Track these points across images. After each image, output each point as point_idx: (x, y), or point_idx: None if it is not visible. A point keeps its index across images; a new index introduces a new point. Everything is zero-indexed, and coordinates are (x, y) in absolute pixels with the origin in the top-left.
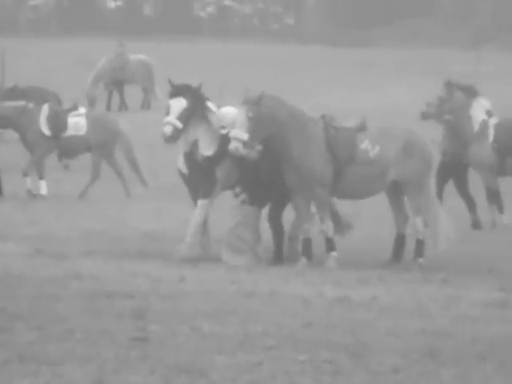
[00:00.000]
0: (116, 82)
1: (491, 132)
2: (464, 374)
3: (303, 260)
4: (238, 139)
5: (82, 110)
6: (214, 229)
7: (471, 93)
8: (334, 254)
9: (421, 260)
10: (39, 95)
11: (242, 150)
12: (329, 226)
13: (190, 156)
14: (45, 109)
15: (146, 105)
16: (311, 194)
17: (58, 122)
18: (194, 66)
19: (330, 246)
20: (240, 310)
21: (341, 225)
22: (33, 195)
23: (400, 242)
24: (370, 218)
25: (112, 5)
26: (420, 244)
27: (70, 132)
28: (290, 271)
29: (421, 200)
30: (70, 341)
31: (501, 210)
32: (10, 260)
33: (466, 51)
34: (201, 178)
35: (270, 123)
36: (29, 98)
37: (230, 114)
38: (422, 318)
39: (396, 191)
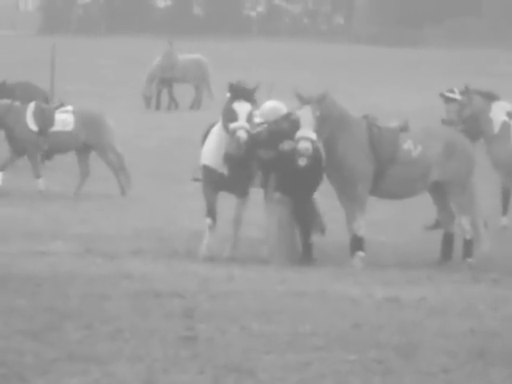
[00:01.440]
0: (165, 80)
1: None
2: None
3: (359, 254)
4: (307, 139)
5: (69, 107)
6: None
7: (490, 96)
8: (361, 253)
9: (470, 260)
10: (27, 92)
11: (311, 150)
12: (360, 225)
13: (231, 155)
14: (31, 106)
15: (196, 104)
16: (352, 192)
17: (44, 118)
18: (243, 66)
19: (358, 245)
20: (289, 309)
21: (321, 224)
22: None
23: (448, 241)
24: (415, 219)
25: (161, 4)
26: (468, 244)
27: (57, 128)
28: (340, 271)
29: (464, 200)
30: (119, 340)
31: (505, 212)
32: (60, 259)
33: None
34: (240, 176)
35: (330, 122)
36: (17, 94)
37: (274, 109)
38: (472, 319)
39: (439, 191)
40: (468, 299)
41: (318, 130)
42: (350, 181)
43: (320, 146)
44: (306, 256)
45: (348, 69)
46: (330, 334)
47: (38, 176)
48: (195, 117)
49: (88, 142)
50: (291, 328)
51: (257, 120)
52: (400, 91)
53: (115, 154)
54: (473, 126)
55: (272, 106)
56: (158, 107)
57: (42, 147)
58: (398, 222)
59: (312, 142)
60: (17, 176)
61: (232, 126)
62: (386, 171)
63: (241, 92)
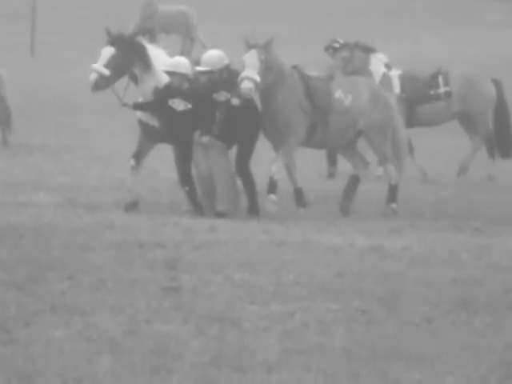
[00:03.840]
0: (145, 31)
1: (396, 83)
2: (496, 323)
3: (271, 197)
4: (251, 79)
5: None
6: None
7: (368, 49)
8: (273, 196)
9: (393, 205)
10: None
11: (254, 92)
12: (279, 169)
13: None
14: None
15: (184, 54)
16: (284, 142)
17: None
18: (231, 17)
19: (271, 187)
20: (272, 259)
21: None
22: None
23: (352, 183)
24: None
25: None
26: (393, 189)
27: None
28: (323, 221)
29: (387, 147)
30: (102, 291)
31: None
32: (42, 210)
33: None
34: (174, 128)
35: (272, 71)
36: None
37: (213, 58)
38: (454, 268)
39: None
40: (451, 248)
41: (263, 74)
42: (285, 132)
43: (257, 97)
44: (252, 208)
45: (371, 18)
46: (313, 283)
47: None
48: None
49: None
50: (274, 278)
51: (200, 68)
52: (378, 41)
53: (3, 106)
54: None
55: (216, 55)
56: None
57: None
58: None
59: (255, 83)
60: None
61: None
62: (321, 121)
63: (110, 38)
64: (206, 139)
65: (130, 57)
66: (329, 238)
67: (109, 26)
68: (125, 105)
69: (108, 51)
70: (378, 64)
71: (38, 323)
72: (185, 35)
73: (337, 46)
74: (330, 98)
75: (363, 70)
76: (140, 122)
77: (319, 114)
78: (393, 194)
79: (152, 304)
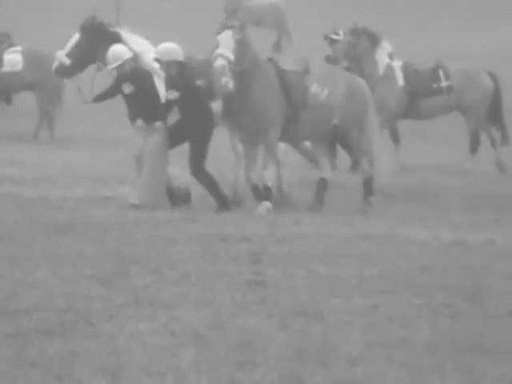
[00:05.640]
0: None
1: (399, 74)
2: None
3: (266, 204)
4: (224, 57)
5: (19, 47)
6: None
7: (375, 38)
8: (267, 203)
9: (371, 198)
10: None
11: (227, 71)
12: (271, 174)
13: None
14: None
15: (276, 48)
16: (262, 139)
17: None
18: (308, 9)
19: (266, 194)
20: (356, 253)
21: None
22: None
23: (321, 186)
24: (478, 162)
25: None
26: (368, 182)
27: (5, 69)
28: (407, 215)
29: (363, 142)
30: (186, 284)
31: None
32: (126, 204)
33: None
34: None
35: (245, 56)
36: None
37: (168, 51)
38: None
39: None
40: None
41: (237, 54)
42: (262, 127)
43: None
44: (221, 206)
45: (413, 10)
46: (397, 277)
47: None
48: None
49: (35, 83)
50: (358, 271)
51: (128, 52)
52: (463, 34)
53: (55, 96)
54: (356, 66)
55: (169, 47)
56: None
57: None
58: (460, 165)
59: (229, 61)
60: (80, 123)
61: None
62: (297, 116)
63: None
64: (158, 124)
65: (95, 45)
66: (413, 231)
67: (191, 20)
68: (85, 102)
69: (74, 39)
70: (382, 54)
71: (122, 317)
72: (278, 28)
73: (335, 37)
74: (305, 93)
75: (367, 57)
76: None
77: (294, 108)
78: (368, 187)
79: (236, 298)
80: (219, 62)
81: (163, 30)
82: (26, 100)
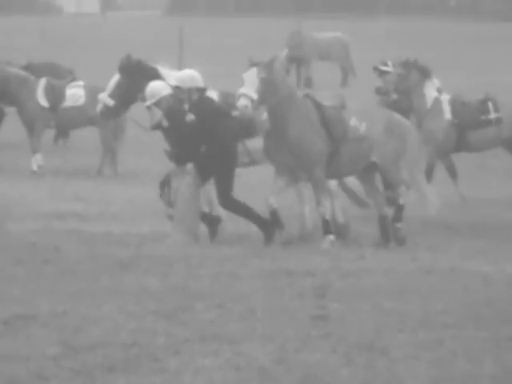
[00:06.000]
0: (292, 59)
1: (447, 108)
2: None
3: (329, 238)
4: (247, 96)
5: (81, 82)
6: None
7: (425, 72)
8: (330, 237)
9: (398, 225)
10: (53, 72)
11: (250, 110)
12: (327, 208)
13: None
14: (42, 81)
15: (343, 82)
16: (308, 175)
17: (55, 93)
18: (371, 44)
19: (326, 228)
20: (420, 287)
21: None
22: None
23: (383, 224)
24: None
25: None
26: (399, 209)
27: (68, 103)
28: (470, 248)
29: (400, 174)
30: (251, 319)
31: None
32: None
33: None
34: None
35: (275, 91)
36: (43, 75)
37: (189, 77)
38: None
39: (368, 174)
40: None
41: (261, 94)
42: (306, 164)
43: (263, 122)
44: (267, 238)
45: (476, 45)
46: (462, 311)
47: (35, 151)
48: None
49: (95, 117)
50: (423, 306)
51: (173, 83)
52: None
53: (118, 130)
54: (405, 99)
55: (189, 74)
56: (298, 85)
57: (50, 123)
58: None
59: (252, 100)
60: (143, 157)
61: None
62: (338, 150)
63: (120, 66)
64: (173, 167)
65: (135, 83)
66: (477, 265)
67: (253, 55)
68: (147, 130)
69: (114, 80)
70: (431, 88)
71: (187, 352)
72: (343, 63)
73: (384, 68)
74: (345, 126)
75: (416, 90)
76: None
77: (335, 142)
78: (398, 213)
79: (300, 332)
80: (241, 102)
81: (226, 65)
82: (88, 135)
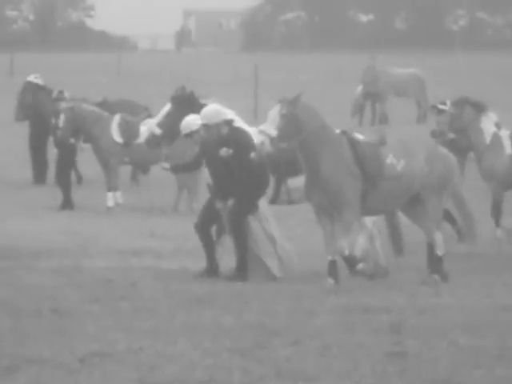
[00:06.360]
0: (368, 95)
1: (507, 143)
2: None
3: (330, 281)
4: (265, 133)
5: (155, 119)
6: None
7: (480, 107)
8: (361, 265)
9: (436, 276)
10: (128, 109)
11: (268, 147)
12: (343, 246)
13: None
14: (116, 118)
15: (421, 119)
16: (338, 215)
17: (129, 129)
18: (447, 79)
19: (351, 264)
20: (496, 323)
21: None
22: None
23: (431, 251)
24: None
25: (364, 19)
26: (438, 260)
27: (142, 140)
28: None
29: (439, 212)
30: (327, 356)
31: (498, 223)
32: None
33: None
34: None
35: (301, 127)
36: (118, 111)
37: (215, 113)
38: None
39: (415, 205)
40: None
41: (281, 130)
42: (337, 204)
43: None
44: (239, 272)
45: None
46: None
47: (113, 189)
48: (404, 132)
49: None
50: (499, 342)
51: (198, 122)
52: None
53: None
54: (463, 137)
55: (213, 109)
56: (360, 123)
57: (125, 160)
58: None
59: (270, 138)
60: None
61: None
62: (373, 188)
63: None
64: (219, 204)
65: (183, 116)
66: None
67: (328, 91)
68: (164, 168)
69: (165, 109)
70: (488, 122)
71: None
72: (419, 98)
73: (441, 106)
74: (380, 164)
75: (472, 127)
76: None
77: (369, 180)
78: (437, 265)
79: (377, 369)
80: (258, 139)
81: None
82: (164, 172)
